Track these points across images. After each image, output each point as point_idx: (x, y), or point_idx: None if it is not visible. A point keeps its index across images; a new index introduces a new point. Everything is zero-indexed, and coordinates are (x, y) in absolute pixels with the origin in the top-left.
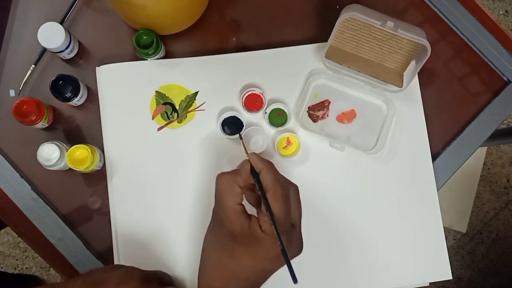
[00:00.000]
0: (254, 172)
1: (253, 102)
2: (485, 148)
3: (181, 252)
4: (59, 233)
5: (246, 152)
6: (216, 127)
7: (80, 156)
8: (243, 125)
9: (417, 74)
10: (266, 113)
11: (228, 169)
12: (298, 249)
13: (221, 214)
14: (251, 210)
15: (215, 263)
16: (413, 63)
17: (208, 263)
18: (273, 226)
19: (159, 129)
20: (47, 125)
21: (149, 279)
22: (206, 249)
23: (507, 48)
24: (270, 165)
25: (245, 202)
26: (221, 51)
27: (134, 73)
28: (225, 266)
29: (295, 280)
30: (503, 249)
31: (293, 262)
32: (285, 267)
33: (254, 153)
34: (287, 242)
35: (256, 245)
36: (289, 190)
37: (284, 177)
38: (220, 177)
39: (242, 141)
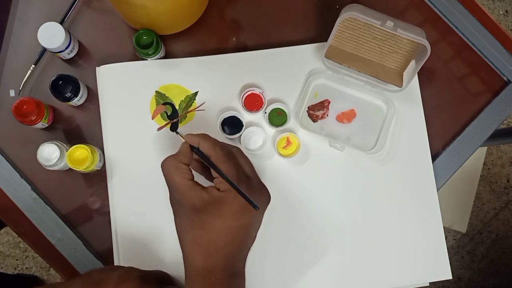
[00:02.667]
0: (192, 147)
1: (253, 102)
2: (485, 148)
3: (181, 252)
4: (59, 233)
5: (182, 136)
6: (216, 126)
7: (80, 156)
8: (243, 125)
9: (417, 74)
10: (266, 113)
11: None
12: (266, 195)
13: (176, 195)
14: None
15: (190, 243)
16: (413, 63)
17: (185, 246)
18: (226, 179)
19: (159, 129)
20: (47, 125)
21: (148, 279)
22: (178, 234)
23: (507, 48)
24: (205, 136)
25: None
26: (221, 51)
27: (134, 73)
28: (200, 240)
29: (255, 206)
30: (503, 249)
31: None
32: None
33: (188, 134)
34: (249, 190)
35: (220, 206)
36: (232, 150)
37: (223, 142)
38: (164, 161)
39: (178, 134)
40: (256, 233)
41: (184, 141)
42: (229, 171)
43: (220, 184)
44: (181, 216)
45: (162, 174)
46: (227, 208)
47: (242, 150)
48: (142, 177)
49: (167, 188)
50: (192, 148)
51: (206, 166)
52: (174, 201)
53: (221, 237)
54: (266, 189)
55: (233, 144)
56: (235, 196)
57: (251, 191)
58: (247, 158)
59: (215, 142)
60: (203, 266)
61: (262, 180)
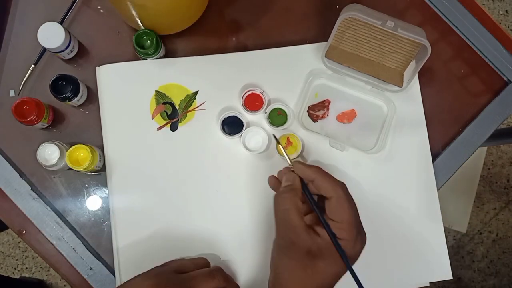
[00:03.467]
0: (304, 185)
1: (253, 102)
2: (485, 148)
3: (181, 251)
4: (59, 233)
5: (290, 162)
6: (216, 126)
7: (80, 156)
8: (243, 125)
9: (417, 74)
10: (266, 113)
11: (229, 169)
12: (364, 241)
13: (291, 234)
14: None
15: (298, 284)
16: (413, 63)
17: (289, 286)
18: (336, 245)
19: (159, 128)
20: (47, 125)
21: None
22: (283, 273)
23: (507, 48)
24: (320, 170)
25: None
26: (221, 51)
27: (134, 73)
28: (311, 283)
29: (356, 279)
30: (503, 249)
31: None
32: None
33: (299, 162)
34: (362, 242)
35: (332, 254)
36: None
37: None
38: (281, 196)
39: (283, 149)
40: None
41: (290, 169)
42: (350, 219)
43: (338, 231)
44: (293, 257)
45: (276, 209)
46: (336, 254)
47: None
48: (142, 177)
49: (275, 223)
50: (302, 184)
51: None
52: (284, 239)
53: (329, 281)
54: (364, 232)
55: (338, 180)
56: (353, 247)
57: (363, 243)
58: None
59: (334, 180)
60: None
61: None
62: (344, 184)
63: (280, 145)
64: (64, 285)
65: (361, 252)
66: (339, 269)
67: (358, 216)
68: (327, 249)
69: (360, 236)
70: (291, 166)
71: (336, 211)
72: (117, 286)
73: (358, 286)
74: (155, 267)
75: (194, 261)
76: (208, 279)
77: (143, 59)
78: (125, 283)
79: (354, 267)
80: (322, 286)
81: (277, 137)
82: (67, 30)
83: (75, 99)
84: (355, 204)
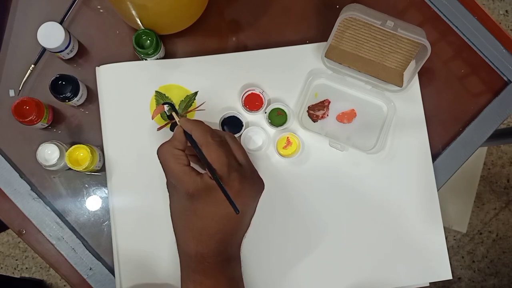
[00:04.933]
0: (186, 133)
1: (253, 102)
2: (485, 148)
3: None
4: (59, 233)
5: (178, 119)
6: (216, 126)
7: (80, 156)
8: (243, 125)
9: (417, 74)
10: (266, 113)
11: None
12: (259, 183)
13: (173, 180)
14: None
15: (183, 228)
16: (413, 62)
17: (178, 231)
18: (210, 172)
19: (159, 129)
20: (46, 125)
21: None
22: (172, 219)
23: (507, 48)
24: (198, 122)
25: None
26: (221, 51)
27: (134, 73)
28: (193, 226)
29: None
30: (503, 249)
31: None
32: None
33: (184, 117)
34: (242, 178)
35: (212, 193)
36: (224, 137)
37: (216, 130)
38: (159, 148)
39: (173, 114)
40: (250, 220)
41: (178, 125)
42: (220, 159)
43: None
44: (176, 201)
45: (159, 161)
46: (219, 195)
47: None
48: (142, 177)
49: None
50: (185, 134)
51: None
52: (171, 186)
53: (212, 224)
54: (260, 177)
55: (227, 132)
56: (227, 184)
57: (243, 179)
58: (241, 145)
59: (206, 129)
60: (196, 252)
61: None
62: (229, 133)
63: (173, 113)
64: (64, 285)
65: (251, 196)
66: (222, 210)
67: (234, 157)
68: (205, 189)
69: (238, 175)
70: (179, 121)
71: (206, 154)
72: (116, 287)
73: (229, 202)
74: None
75: None
76: None
77: (143, 59)
78: None
79: (353, 267)
80: (207, 228)
81: (277, 137)
82: (67, 30)
83: (75, 99)
84: (229, 148)
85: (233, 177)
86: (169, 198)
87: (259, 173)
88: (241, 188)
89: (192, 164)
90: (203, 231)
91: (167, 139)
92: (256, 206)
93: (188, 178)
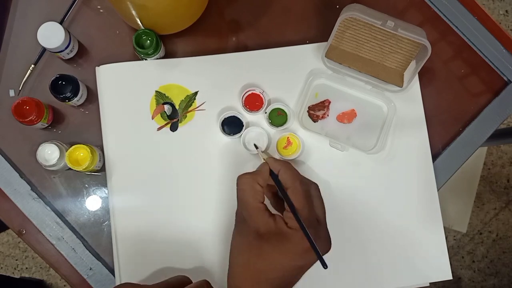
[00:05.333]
0: (273, 173)
1: (253, 102)
2: (485, 148)
3: (181, 251)
4: (59, 233)
5: (263, 158)
6: (216, 126)
7: (80, 156)
8: (243, 125)
9: (417, 74)
10: (266, 113)
11: (229, 168)
12: (327, 244)
13: (245, 213)
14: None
15: (243, 264)
16: (413, 63)
17: (235, 265)
18: (297, 220)
19: (159, 129)
20: (46, 125)
21: None
22: (233, 250)
23: (507, 48)
24: (288, 165)
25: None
26: (221, 51)
27: (134, 73)
28: (254, 266)
29: (324, 265)
30: (503, 249)
31: None
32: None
33: (271, 156)
34: (315, 236)
35: (283, 241)
36: (310, 187)
37: (303, 176)
38: (241, 177)
39: (258, 150)
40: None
41: (264, 161)
42: (301, 209)
43: (289, 220)
44: (241, 234)
45: (237, 189)
46: (290, 246)
47: (291, 168)
48: (142, 177)
49: (236, 202)
50: (271, 173)
51: (278, 195)
52: (240, 218)
53: (275, 272)
54: (330, 239)
55: (312, 181)
56: (301, 237)
57: (316, 238)
58: (322, 200)
59: (296, 174)
60: None
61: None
62: (314, 184)
63: (258, 150)
64: (64, 285)
65: (315, 255)
66: (289, 262)
67: (314, 213)
68: (277, 234)
69: (313, 233)
70: (265, 160)
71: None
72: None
73: (319, 259)
74: None
75: (177, 279)
76: None
77: (143, 59)
78: None
79: (353, 267)
80: (268, 273)
81: (277, 137)
82: (67, 30)
83: (75, 99)
84: (311, 201)
85: (310, 234)
86: (235, 226)
87: None
88: (310, 249)
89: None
90: (263, 275)
91: (252, 171)
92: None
93: (262, 217)
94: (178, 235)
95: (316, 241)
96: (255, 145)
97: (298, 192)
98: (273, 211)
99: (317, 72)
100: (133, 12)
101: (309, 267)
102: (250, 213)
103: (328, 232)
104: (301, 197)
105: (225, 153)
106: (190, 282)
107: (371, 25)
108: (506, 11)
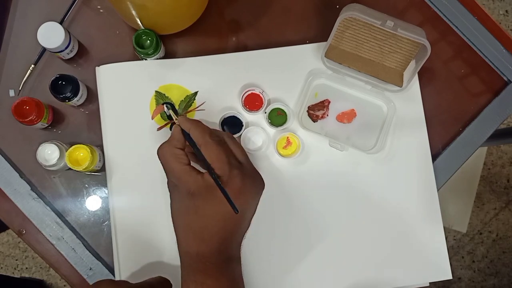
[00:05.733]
0: (184, 133)
1: (253, 102)
2: (485, 148)
3: None
4: (59, 233)
5: (176, 118)
6: (216, 126)
7: (80, 156)
8: (242, 125)
9: (417, 74)
10: (266, 113)
11: None
12: (259, 182)
13: (174, 179)
14: None
15: (184, 228)
16: (413, 62)
17: (179, 232)
18: (208, 169)
19: (159, 129)
20: (46, 125)
21: None
22: (174, 219)
23: (507, 48)
24: (197, 122)
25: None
26: (221, 51)
27: (134, 73)
28: (194, 225)
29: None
30: (503, 249)
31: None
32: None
33: (182, 116)
34: (242, 176)
35: (213, 192)
36: (223, 137)
37: (215, 129)
38: (159, 148)
39: (171, 112)
40: (251, 219)
41: (177, 124)
42: (219, 158)
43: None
44: (177, 201)
45: (160, 162)
46: (220, 194)
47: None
48: (142, 177)
49: (165, 175)
50: (183, 133)
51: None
52: (171, 186)
53: (214, 223)
54: (260, 175)
55: (225, 131)
56: (228, 182)
57: (244, 177)
58: (240, 144)
59: (205, 128)
60: (197, 252)
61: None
62: (227, 133)
63: (170, 111)
64: (64, 285)
65: (252, 194)
66: (223, 209)
67: (234, 157)
68: (206, 188)
69: (239, 173)
70: (177, 120)
71: (206, 154)
72: None
73: (228, 201)
74: None
75: (157, 279)
76: None
77: (143, 59)
78: None
79: (353, 267)
80: (209, 227)
81: (277, 137)
82: (67, 30)
83: (75, 99)
84: (228, 148)
85: (234, 175)
86: (170, 197)
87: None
88: (242, 186)
89: (192, 164)
90: (204, 230)
91: (167, 139)
92: (257, 205)
93: (189, 177)
94: None
95: (245, 180)
96: (166, 104)
97: (210, 144)
98: (203, 171)
99: (316, 72)
100: (133, 12)
101: (250, 210)
102: (178, 177)
103: (256, 170)
104: (215, 149)
105: None
106: (170, 285)
107: (370, 25)
108: (506, 11)
